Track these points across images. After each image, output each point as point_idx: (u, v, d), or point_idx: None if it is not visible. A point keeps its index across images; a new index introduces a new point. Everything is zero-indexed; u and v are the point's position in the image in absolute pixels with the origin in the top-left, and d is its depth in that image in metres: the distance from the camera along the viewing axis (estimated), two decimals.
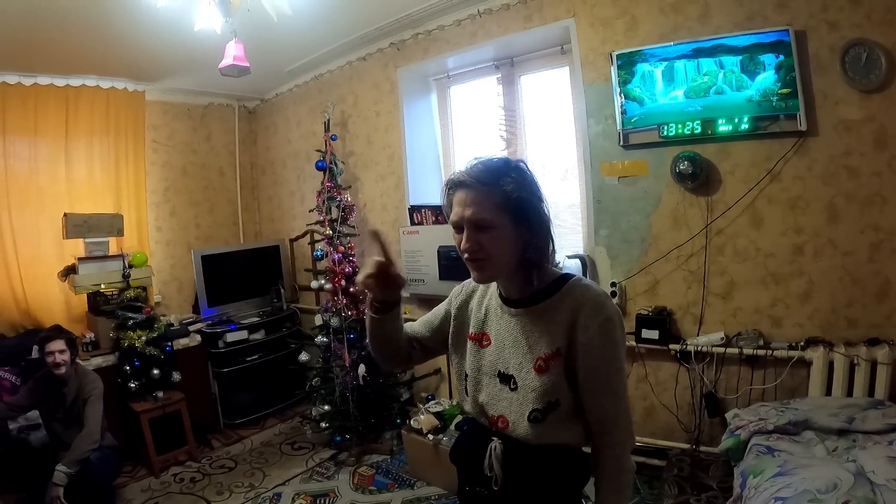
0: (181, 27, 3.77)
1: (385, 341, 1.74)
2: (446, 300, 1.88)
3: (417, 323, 1.92)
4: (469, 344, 1.74)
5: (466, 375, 1.73)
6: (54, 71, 5.01)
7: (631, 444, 1.58)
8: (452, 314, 1.82)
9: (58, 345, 3.78)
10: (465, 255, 1.54)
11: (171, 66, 5.27)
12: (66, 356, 3.79)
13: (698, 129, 3.37)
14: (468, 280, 1.79)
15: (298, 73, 5.83)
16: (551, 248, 1.57)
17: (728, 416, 3.02)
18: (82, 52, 4.62)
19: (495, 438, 1.62)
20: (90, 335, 4.89)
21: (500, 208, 1.48)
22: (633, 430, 1.59)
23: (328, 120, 5.08)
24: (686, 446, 3.54)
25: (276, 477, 4.44)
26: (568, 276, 1.59)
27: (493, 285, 1.72)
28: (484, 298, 1.75)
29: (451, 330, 1.81)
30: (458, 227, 1.55)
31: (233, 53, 3.57)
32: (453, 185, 1.55)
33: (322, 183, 4.98)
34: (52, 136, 5.18)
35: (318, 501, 4.04)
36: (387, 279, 1.56)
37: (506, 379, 1.61)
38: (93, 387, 3.90)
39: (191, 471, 4.67)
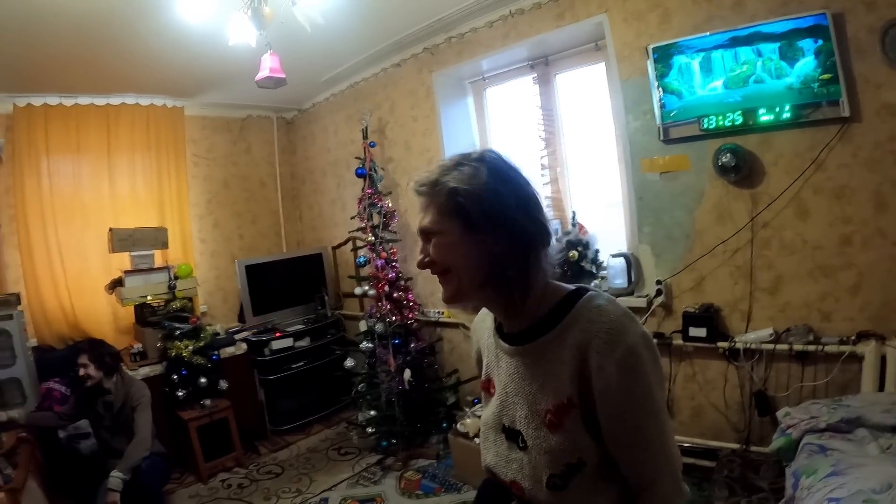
0: (216, 42, 3.82)
1: None
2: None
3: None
4: (482, 395, 1.52)
5: (480, 430, 1.49)
6: (94, 91, 5.16)
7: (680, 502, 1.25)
8: (480, 360, 1.56)
9: (81, 359, 3.87)
10: (426, 270, 1.33)
11: (209, 81, 5.37)
12: (90, 370, 3.85)
13: (739, 120, 3.27)
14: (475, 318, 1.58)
15: (334, 82, 5.87)
16: (541, 260, 1.28)
17: (779, 414, 2.92)
18: (120, 72, 4.74)
19: (516, 501, 1.38)
20: (138, 346, 5.00)
21: (446, 210, 1.25)
22: (682, 486, 1.26)
23: (366, 127, 5.10)
24: (736, 446, 3.44)
25: (322, 482, 4.47)
26: (578, 295, 1.28)
27: (491, 317, 1.47)
28: (491, 336, 1.46)
29: None
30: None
31: (268, 65, 3.60)
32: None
33: (362, 190, 5.01)
34: (95, 154, 5.34)
35: None
36: None
37: (513, 435, 1.35)
38: (140, 395, 3.98)
39: (238, 477, 4.76)
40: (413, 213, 5.29)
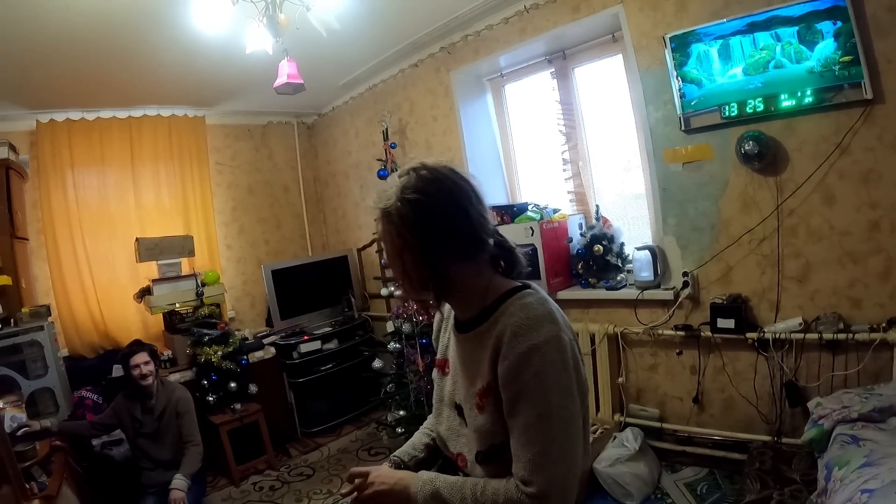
0: (233, 52, 3.87)
1: None
2: None
3: None
4: (434, 372, 1.64)
5: (433, 405, 1.64)
6: (115, 104, 5.27)
7: None
8: (439, 338, 1.69)
9: (142, 357, 3.86)
10: None
11: (228, 89, 5.43)
12: (151, 367, 3.88)
13: (761, 107, 3.21)
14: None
15: (352, 85, 5.90)
16: (464, 265, 1.38)
17: (810, 405, 2.86)
18: (140, 85, 4.83)
19: (461, 473, 1.49)
20: (167, 353, 5.07)
21: (383, 223, 1.40)
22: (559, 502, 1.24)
23: (386, 129, 5.11)
24: (767, 438, 3.38)
25: None
26: (515, 291, 1.38)
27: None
28: (448, 321, 1.60)
29: None
30: None
31: (286, 72, 3.61)
32: None
33: None
34: (119, 166, 5.44)
35: None
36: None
37: (461, 412, 1.48)
38: (187, 400, 4.02)
39: (270, 479, 4.80)
40: None
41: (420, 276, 1.36)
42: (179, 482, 3.61)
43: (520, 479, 1.24)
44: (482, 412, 1.35)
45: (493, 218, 1.48)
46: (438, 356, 1.62)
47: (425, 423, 1.82)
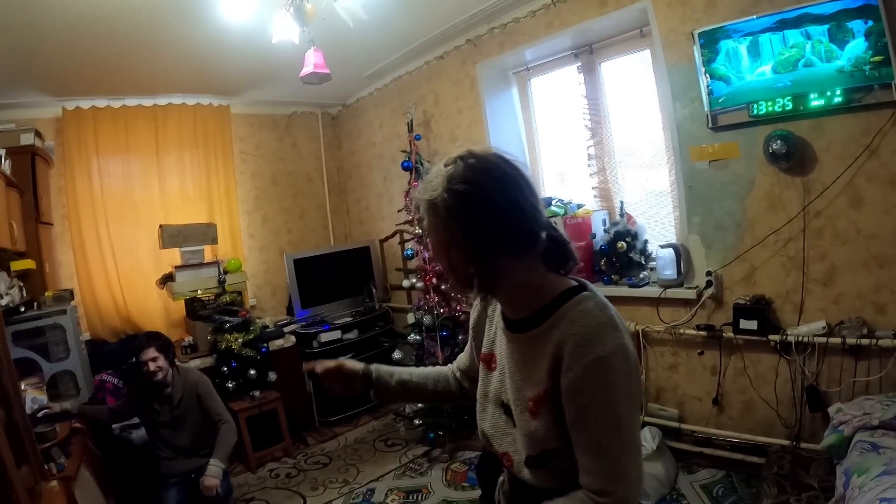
0: (259, 41, 3.85)
1: (416, 399, 1.69)
2: None
3: (464, 351, 1.76)
4: (480, 365, 1.55)
5: (476, 400, 1.55)
6: (141, 93, 5.32)
7: None
8: (471, 334, 1.65)
9: (149, 353, 3.72)
10: None
11: (253, 79, 5.46)
12: (160, 362, 3.75)
13: (789, 106, 3.15)
14: None
15: (378, 76, 5.90)
16: (516, 261, 1.30)
17: (831, 410, 2.83)
18: (166, 74, 4.87)
19: (506, 471, 1.48)
20: (189, 339, 5.14)
21: (428, 214, 1.31)
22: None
23: (411, 120, 5.10)
24: (786, 443, 3.33)
25: (369, 473, 4.52)
26: (572, 293, 1.31)
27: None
28: (495, 313, 1.51)
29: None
30: None
31: (313, 61, 3.61)
32: None
33: (409, 183, 5.04)
34: (144, 153, 5.50)
35: (410, 497, 4.08)
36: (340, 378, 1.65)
37: (508, 411, 1.41)
38: (204, 381, 3.95)
39: (287, 467, 4.84)
40: None
41: (466, 273, 1.30)
42: (214, 468, 3.58)
43: (594, 491, 1.20)
44: (536, 417, 1.30)
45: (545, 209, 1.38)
46: (484, 350, 1.54)
47: (425, 370, 1.84)
